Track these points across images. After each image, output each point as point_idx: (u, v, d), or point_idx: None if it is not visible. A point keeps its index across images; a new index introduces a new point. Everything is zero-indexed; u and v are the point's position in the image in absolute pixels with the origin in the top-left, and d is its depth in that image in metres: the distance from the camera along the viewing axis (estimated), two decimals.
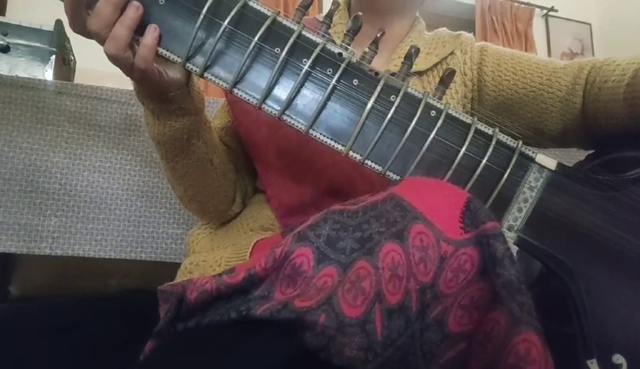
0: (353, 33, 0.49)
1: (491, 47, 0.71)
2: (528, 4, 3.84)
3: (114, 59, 0.48)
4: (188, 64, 0.47)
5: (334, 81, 0.47)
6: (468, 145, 0.47)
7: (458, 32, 0.74)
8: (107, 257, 0.97)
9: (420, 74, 0.69)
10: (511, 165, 0.47)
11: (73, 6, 0.46)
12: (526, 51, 3.55)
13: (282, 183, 0.66)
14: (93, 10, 0.46)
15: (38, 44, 1.35)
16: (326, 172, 0.64)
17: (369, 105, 0.46)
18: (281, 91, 0.47)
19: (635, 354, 0.44)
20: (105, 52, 0.47)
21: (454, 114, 0.48)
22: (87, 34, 0.48)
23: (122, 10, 0.46)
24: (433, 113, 0.47)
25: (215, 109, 0.85)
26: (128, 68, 0.49)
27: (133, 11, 0.46)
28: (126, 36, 0.46)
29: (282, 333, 0.34)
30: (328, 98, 0.47)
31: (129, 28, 0.46)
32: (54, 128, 0.97)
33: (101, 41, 0.47)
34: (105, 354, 0.52)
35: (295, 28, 0.47)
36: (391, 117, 0.46)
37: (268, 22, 0.46)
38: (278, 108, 0.47)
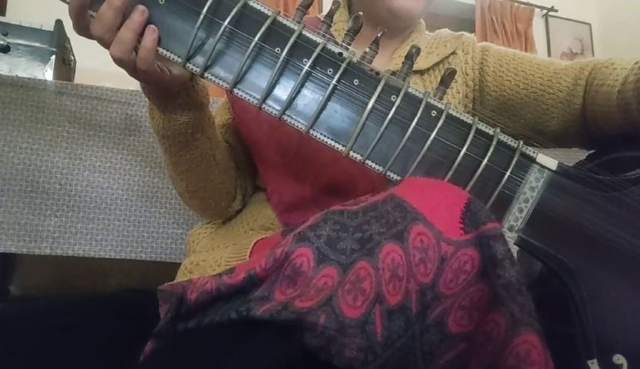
0: (354, 33, 0.49)
1: (492, 47, 0.71)
2: (528, 4, 3.84)
3: (119, 62, 0.48)
4: (188, 65, 0.47)
5: (334, 81, 0.46)
6: (468, 145, 0.47)
7: (459, 33, 0.74)
8: (107, 257, 0.97)
9: (421, 73, 0.69)
10: (512, 165, 0.47)
11: (77, 10, 0.46)
12: (526, 51, 3.54)
13: (282, 180, 0.66)
14: (96, 13, 0.47)
15: (38, 44, 1.35)
16: (326, 169, 0.64)
17: (370, 105, 0.46)
18: (282, 91, 0.47)
19: (635, 354, 0.44)
20: (111, 55, 0.48)
21: (454, 114, 0.48)
22: (91, 36, 0.48)
23: (124, 14, 0.46)
24: (434, 113, 0.47)
25: (215, 108, 0.85)
26: (132, 69, 0.49)
27: (139, 15, 0.46)
28: (132, 39, 0.47)
29: (282, 333, 0.34)
30: (329, 98, 0.47)
31: (135, 32, 0.46)
32: (54, 128, 0.97)
33: (106, 45, 0.48)
34: (105, 353, 0.52)
35: (296, 27, 0.46)
36: (392, 117, 0.46)
37: (268, 22, 0.46)
38: (279, 108, 0.47)
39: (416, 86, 0.68)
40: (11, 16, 1.84)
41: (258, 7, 0.47)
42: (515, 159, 0.48)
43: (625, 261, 0.47)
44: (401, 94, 0.47)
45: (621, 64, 0.57)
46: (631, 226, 0.47)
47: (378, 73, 0.47)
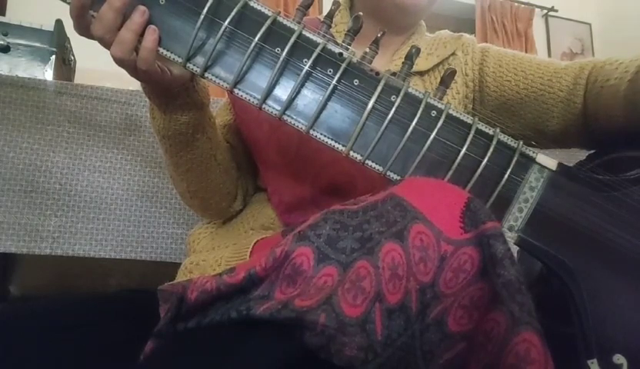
0: (354, 33, 0.49)
1: (492, 48, 0.71)
2: (528, 4, 3.84)
3: (120, 62, 0.48)
4: (188, 65, 0.47)
5: (334, 81, 0.46)
6: (468, 145, 0.47)
7: (459, 33, 0.74)
8: (107, 257, 0.97)
9: (421, 74, 0.69)
10: (511, 165, 0.47)
11: (78, 10, 0.47)
12: (526, 51, 3.55)
13: (283, 180, 0.66)
14: (96, 13, 0.47)
15: (38, 44, 1.35)
16: (326, 170, 0.64)
17: (370, 105, 0.46)
18: (282, 91, 0.47)
19: (635, 354, 0.44)
20: (112, 56, 0.48)
21: (454, 114, 0.48)
22: (92, 37, 0.48)
23: (125, 14, 0.46)
24: (434, 113, 0.47)
25: (215, 108, 0.86)
26: (133, 70, 0.49)
27: (139, 16, 0.46)
28: (132, 40, 0.47)
29: (282, 333, 0.34)
30: (329, 98, 0.47)
31: (135, 33, 0.46)
32: (54, 128, 0.97)
33: (106, 45, 0.48)
34: (105, 353, 0.52)
35: (296, 28, 0.47)
36: (392, 117, 0.46)
37: (268, 22, 0.46)
38: (279, 108, 0.47)
39: (416, 87, 0.68)
40: (11, 16, 1.84)
41: (259, 7, 0.47)
42: (515, 159, 0.48)
43: (625, 261, 0.47)
44: (401, 94, 0.47)
45: (626, 59, 0.57)
46: (631, 226, 0.47)
47: (378, 73, 0.47)
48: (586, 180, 0.48)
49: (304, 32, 0.47)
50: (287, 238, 0.39)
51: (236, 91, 0.47)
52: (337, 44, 0.48)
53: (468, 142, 0.47)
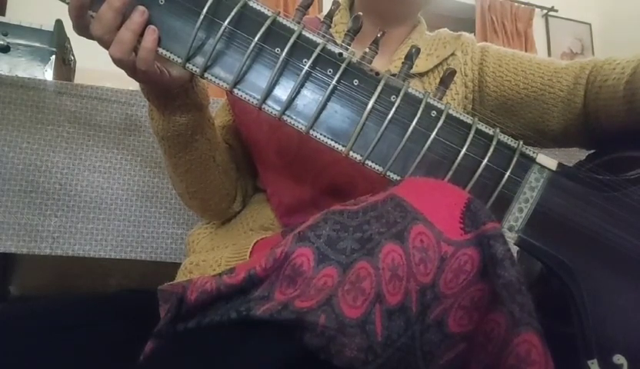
0: (353, 33, 0.49)
1: (492, 47, 0.71)
2: (528, 4, 3.84)
3: (119, 62, 0.48)
4: (188, 65, 0.47)
5: (334, 82, 0.46)
6: (468, 145, 0.47)
7: (458, 33, 0.74)
8: (107, 257, 0.97)
9: (421, 75, 0.69)
10: (511, 165, 0.47)
11: (77, 10, 0.46)
12: (526, 51, 3.55)
13: (282, 181, 0.66)
14: (96, 13, 0.47)
15: (38, 44, 1.35)
16: (326, 171, 0.64)
17: (370, 105, 0.46)
18: (282, 92, 0.47)
19: (635, 354, 0.44)
20: (111, 56, 0.48)
21: (454, 114, 0.48)
22: (91, 37, 0.48)
23: (124, 14, 0.46)
24: (434, 113, 0.47)
25: (215, 109, 0.86)
26: (132, 70, 0.49)
27: (139, 16, 0.46)
28: (132, 40, 0.47)
29: (282, 333, 0.34)
30: (329, 99, 0.47)
31: (135, 33, 0.46)
32: (54, 128, 0.97)
33: (105, 45, 0.48)
34: (105, 353, 0.52)
35: (296, 28, 0.47)
36: (392, 117, 0.46)
37: (268, 22, 0.46)
38: (279, 109, 0.47)
39: (416, 88, 0.68)
40: (11, 16, 1.83)
41: (258, 7, 0.47)
42: (515, 159, 0.48)
43: (624, 261, 0.47)
44: (401, 94, 0.47)
45: (624, 59, 0.58)
46: (631, 226, 0.47)
47: (377, 73, 0.47)
48: (586, 180, 0.48)
49: (303, 32, 0.47)
50: (287, 239, 0.39)
51: (236, 91, 0.47)
52: (337, 44, 0.48)
53: (468, 142, 0.47)
